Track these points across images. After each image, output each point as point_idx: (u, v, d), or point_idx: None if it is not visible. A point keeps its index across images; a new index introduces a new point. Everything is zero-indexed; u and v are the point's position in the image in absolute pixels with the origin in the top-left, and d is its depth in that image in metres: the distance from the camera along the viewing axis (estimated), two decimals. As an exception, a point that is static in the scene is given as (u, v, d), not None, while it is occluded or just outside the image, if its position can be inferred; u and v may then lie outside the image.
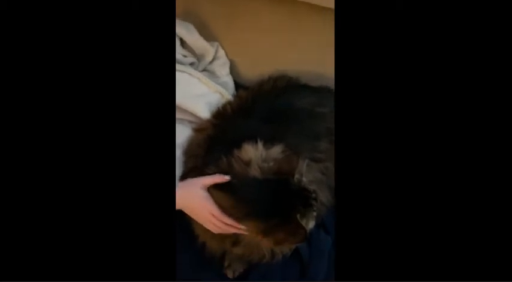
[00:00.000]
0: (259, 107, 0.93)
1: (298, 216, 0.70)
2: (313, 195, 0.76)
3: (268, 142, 0.81)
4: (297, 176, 0.76)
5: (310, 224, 0.74)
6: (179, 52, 1.06)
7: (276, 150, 0.80)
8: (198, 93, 1.02)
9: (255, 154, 0.79)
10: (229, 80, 1.09)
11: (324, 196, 0.88)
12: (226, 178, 0.75)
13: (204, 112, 1.00)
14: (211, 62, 1.08)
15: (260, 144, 0.80)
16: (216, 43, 1.09)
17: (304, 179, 0.77)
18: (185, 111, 1.03)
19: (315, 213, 0.76)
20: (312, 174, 0.86)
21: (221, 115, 0.97)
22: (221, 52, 1.09)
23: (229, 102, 1.01)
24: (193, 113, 1.02)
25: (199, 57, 1.09)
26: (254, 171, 0.76)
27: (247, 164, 0.77)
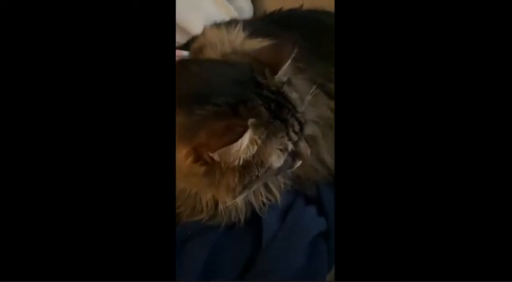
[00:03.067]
0: (272, 15, 0.65)
1: (251, 121, 0.38)
2: (299, 115, 0.43)
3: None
4: (281, 76, 0.45)
5: (274, 157, 0.41)
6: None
7: (263, 41, 0.50)
8: (205, 10, 0.78)
9: (218, 35, 0.50)
10: (246, 7, 0.83)
11: (328, 151, 0.53)
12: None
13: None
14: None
15: (239, 27, 0.51)
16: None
17: (294, 94, 0.45)
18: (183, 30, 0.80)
19: (289, 144, 0.42)
20: (316, 111, 0.53)
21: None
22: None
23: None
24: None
25: None
26: (208, 50, 0.47)
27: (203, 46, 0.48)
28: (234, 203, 0.49)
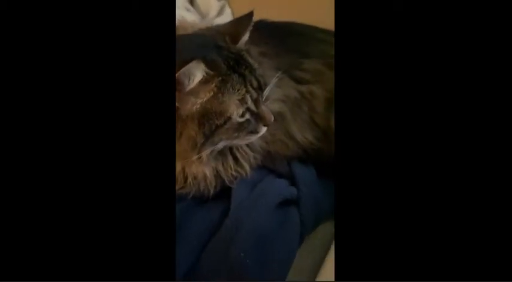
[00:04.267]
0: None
1: (203, 66, 0.40)
2: (257, 74, 0.46)
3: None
4: (241, 45, 0.48)
5: (233, 107, 0.43)
6: (184, 6, 0.96)
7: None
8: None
9: (190, 23, 0.55)
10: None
11: (297, 127, 0.54)
12: None
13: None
14: (214, 17, 0.95)
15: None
16: (224, 1, 0.97)
17: (254, 64, 0.48)
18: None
19: (248, 97, 0.44)
20: (282, 91, 0.55)
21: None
22: (227, 10, 0.96)
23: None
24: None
25: (204, 15, 0.97)
26: (180, 31, 0.51)
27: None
28: (203, 173, 0.49)
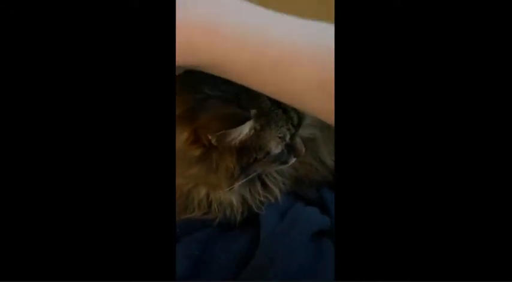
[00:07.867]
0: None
1: (253, 112, 0.38)
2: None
3: None
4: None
5: (273, 143, 0.41)
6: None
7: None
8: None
9: None
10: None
11: (327, 151, 0.51)
12: None
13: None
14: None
15: None
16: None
17: None
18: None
19: (288, 134, 0.42)
20: (313, 117, 0.53)
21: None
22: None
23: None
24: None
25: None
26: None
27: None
28: (229, 199, 0.46)
